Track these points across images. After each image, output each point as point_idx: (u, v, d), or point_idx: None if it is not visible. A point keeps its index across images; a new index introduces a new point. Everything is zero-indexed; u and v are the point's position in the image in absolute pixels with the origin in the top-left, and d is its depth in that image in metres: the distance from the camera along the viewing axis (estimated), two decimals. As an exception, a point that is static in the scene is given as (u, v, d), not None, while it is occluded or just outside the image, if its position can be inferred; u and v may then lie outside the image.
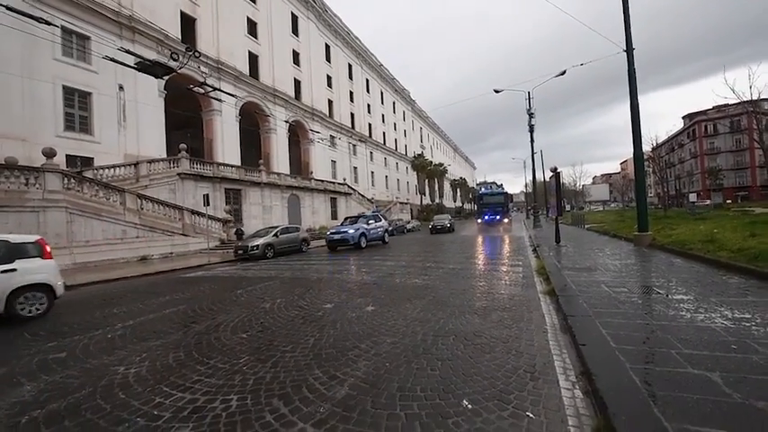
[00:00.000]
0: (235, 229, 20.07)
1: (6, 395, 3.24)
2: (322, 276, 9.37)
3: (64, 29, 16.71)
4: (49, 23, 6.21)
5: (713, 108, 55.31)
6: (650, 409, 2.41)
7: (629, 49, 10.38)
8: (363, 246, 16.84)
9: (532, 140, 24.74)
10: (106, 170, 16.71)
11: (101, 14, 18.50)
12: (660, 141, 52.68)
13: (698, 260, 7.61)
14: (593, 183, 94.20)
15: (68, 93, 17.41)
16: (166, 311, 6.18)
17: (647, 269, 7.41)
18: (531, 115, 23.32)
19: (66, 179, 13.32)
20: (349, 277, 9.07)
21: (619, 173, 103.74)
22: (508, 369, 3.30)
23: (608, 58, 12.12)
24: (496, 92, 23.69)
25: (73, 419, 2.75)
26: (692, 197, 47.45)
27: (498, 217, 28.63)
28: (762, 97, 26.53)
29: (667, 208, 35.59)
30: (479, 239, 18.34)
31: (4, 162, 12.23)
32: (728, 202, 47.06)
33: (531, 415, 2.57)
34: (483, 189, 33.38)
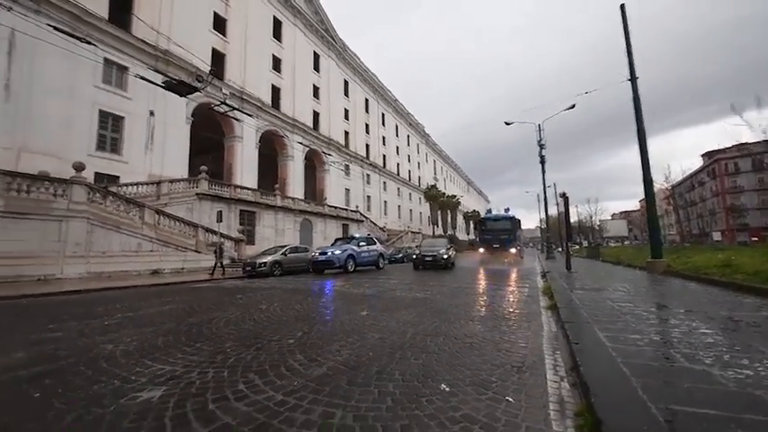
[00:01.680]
0: (215, 248, 15.30)
1: (-3, 362, 3.32)
2: (323, 289, 9.34)
3: (106, 60, 18.50)
4: (89, 43, 6.96)
5: (734, 146, 54.47)
6: (635, 393, 2.30)
7: (633, 78, 10.64)
8: (351, 269, 15.78)
9: (543, 171, 24.78)
10: (129, 187, 17.59)
11: (140, 49, 20.39)
12: (678, 180, 51.73)
13: (713, 284, 7.24)
14: (612, 218, 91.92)
15: (103, 116, 18.84)
16: (166, 308, 6.27)
17: (657, 290, 7.09)
18: (541, 146, 23.54)
19: (90, 192, 14.07)
20: (350, 290, 9.01)
21: (638, 210, 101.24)
22: (495, 363, 3.20)
23: (623, 98, 11.62)
24: (507, 124, 24.21)
25: (53, 379, 2.81)
26: (716, 235, 45.69)
27: (504, 246, 22.35)
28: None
29: (686, 242, 34.22)
30: (485, 267, 17.91)
31: (37, 174, 13.11)
32: (755, 239, 44.79)
33: (510, 399, 2.48)
34: (486, 213, 27.09)
